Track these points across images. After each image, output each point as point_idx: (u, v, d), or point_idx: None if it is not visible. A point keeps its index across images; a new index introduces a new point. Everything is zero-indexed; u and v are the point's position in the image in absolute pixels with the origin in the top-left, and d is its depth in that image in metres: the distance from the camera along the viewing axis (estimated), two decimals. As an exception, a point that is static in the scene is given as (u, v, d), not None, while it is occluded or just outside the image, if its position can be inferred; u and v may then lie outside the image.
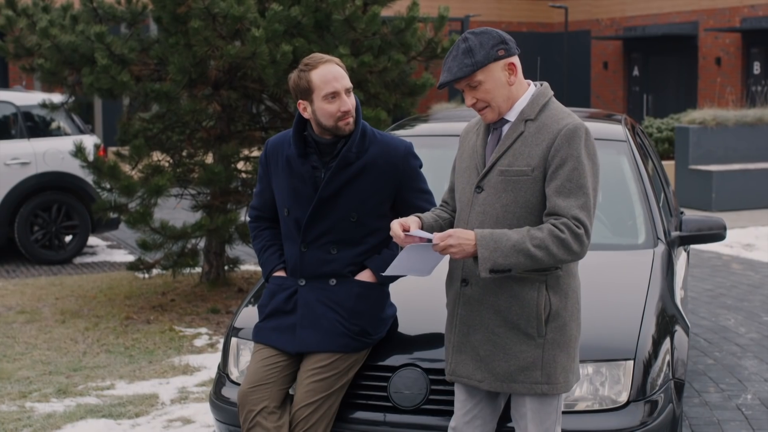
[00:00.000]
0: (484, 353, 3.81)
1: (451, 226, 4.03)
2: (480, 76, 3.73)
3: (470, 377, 3.85)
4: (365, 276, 4.40)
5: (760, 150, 17.29)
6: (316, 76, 4.24)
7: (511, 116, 3.82)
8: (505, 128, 3.83)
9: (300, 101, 4.32)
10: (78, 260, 12.28)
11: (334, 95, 4.22)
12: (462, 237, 3.66)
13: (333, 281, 4.36)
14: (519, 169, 3.74)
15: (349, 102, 4.27)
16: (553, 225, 3.63)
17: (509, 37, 3.80)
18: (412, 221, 3.88)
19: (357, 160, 4.33)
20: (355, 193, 4.36)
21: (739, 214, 15.91)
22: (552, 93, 3.88)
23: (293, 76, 4.32)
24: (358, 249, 4.40)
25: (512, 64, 3.78)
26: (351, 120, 4.28)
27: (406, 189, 4.43)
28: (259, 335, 4.44)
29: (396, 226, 3.81)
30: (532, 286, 3.76)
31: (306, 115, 4.31)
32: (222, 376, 4.79)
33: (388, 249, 4.44)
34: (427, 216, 4.02)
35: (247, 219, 4.93)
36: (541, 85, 3.89)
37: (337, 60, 4.31)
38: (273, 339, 4.38)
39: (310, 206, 4.33)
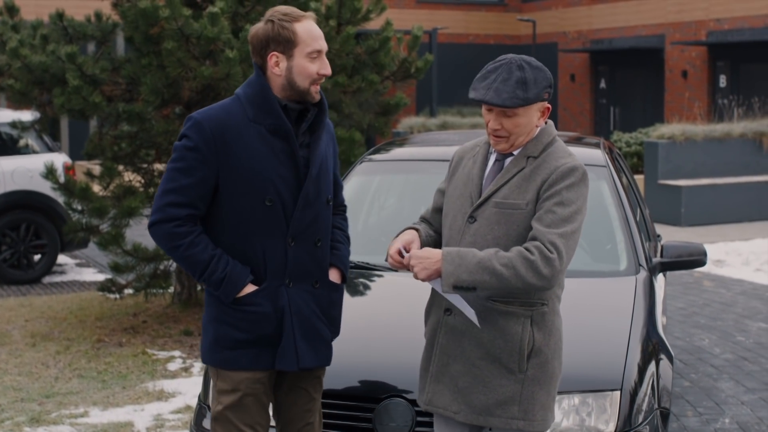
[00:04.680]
0: (463, 384, 3.75)
1: (438, 245, 3.97)
2: (521, 110, 3.67)
3: (446, 408, 3.78)
4: (336, 276, 4.08)
5: (728, 165, 17.40)
6: (302, 29, 3.80)
7: (516, 150, 3.79)
8: (507, 161, 3.79)
9: (274, 53, 3.80)
10: (47, 279, 12.15)
11: (319, 54, 3.83)
12: (423, 256, 3.64)
13: (317, 284, 3.97)
14: (514, 203, 3.69)
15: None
16: (525, 247, 3.59)
17: (553, 79, 3.77)
18: (414, 239, 3.83)
19: (323, 127, 3.97)
20: (326, 170, 3.99)
21: (708, 228, 15.99)
22: (556, 132, 3.85)
23: (263, 26, 3.81)
24: (329, 239, 4.06)
25: (548, 108, 3.76)
26: (319, 87, 3.89)
27: (335, 155, 4.12)
28: (242, 362, 3.87)
29: (395, 251, 3.76)
30: (517, 321, 3.70)
31: (276, 71, 3.81)
32: (203, 407, 4.72)
33: (338, 241, 4.13)
34: (422, 230, 3.94)
35: (156, 219, 3.85)
36: (546, 123, 3.84)
37: (314, 16, 3.92)
38: (263, 362, 3.87)
39: (297, 190, 3.86)
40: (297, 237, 3.88)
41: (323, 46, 3.84)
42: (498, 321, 3.71)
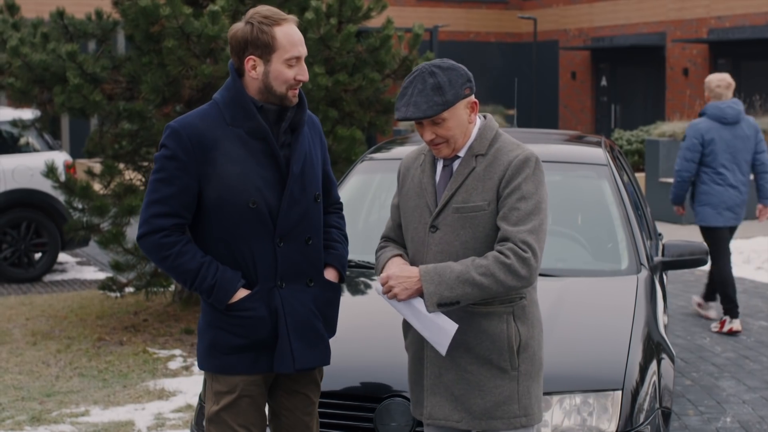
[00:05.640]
0: (459, 392, 3.74)
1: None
2: (446, 114, 3.65)
3: (448, 418, 3.77)
4: (333, 275, 4.04)
5: (729, 162, 17.33)
6: (282, 33, 3.75)
7: (461, 151, 3.76)
8: (456, 164, 3.77)
9: (251, 56, 3.77)
10: (48, 278, 12.14)
11: (297, 60, 3.78)
12: (401, 276, 3.63)
13: (311, 282, 3.94)
14: (475, 205, 3.68)
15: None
16: (499, 251, 3.59)
17: (470, 73, 3.74)
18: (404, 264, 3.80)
19: (303, 126, 3.92)
20: (311, 167, 3.93)
21: (710, 226, 15.93)
22: (497, 125, 3.84)
23: (242, 27, 3.77)
24: (321, 237, 4.00)
25: (475, 102, 3.74)
26: (297, 91, 3.85)
27: (323, 151, 4.10)
28: (239, 367, 3.87)
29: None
30: (500, 319, 3.70)
31: (253, 74, 3.78)
32: (203, 406, 4.71)
33: (335, 240, 4.11)
34: (396, 250, 3.90)
35: (143, 231, 3.83)
36: (485, 117, 3.84)
37: (296, 19, 3.87)
38: (260, 366, 3.86)
39: (280, 191, 3.83)
40: (285, 237, 3.85)
41: (302, 52, 3.80)
42: (481, 323, 3.70)
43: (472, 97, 3.73)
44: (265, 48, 3.74)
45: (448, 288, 3.56)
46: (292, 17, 3.83)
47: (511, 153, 3.71)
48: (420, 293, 3.62)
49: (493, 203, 3.67)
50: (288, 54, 3.75)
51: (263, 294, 3.84)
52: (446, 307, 3.59)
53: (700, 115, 9.23)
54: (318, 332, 3.94)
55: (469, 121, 3.73)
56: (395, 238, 4.00)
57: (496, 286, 3.56)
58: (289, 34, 3.76)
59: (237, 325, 3.83)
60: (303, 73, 3.80)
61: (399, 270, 3.66)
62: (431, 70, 3.65)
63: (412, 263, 3.82)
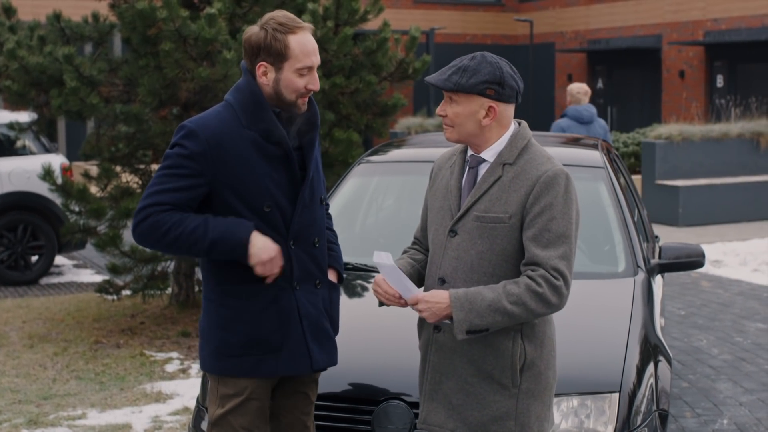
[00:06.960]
0: (457, 402, 3.69)
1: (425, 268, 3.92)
2: (457, 97, 3.61)
3: (442, 426, 3.72)
4: (333, 276, 4.07)
5: (725, 165, 17.40)
6: (296, 42, 3.73)
7: (489, 156, 3.68)
8: (482, 169, 3.70)
9: (263, 63, 3.76)
10: (44, 281, 12.13)
11: (309, 70, 3.77)
12: (432, 301, 3.57)
13: (319, 284, 3.96)
14: (495, 216, 3.61)
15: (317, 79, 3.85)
16: (530, 278, 3.51)
17: (514, 84, 3.63)
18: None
19: (316, 130, 3.93)
20: (318, 170, 3.97)
21: (706, 229, 15.99)
22: (531, 134, 3.74)
23: (256, 32, 3.75)
24: (325, 239, 4.03)
25: (492, 107, 3.62)
26: (307, 99, 3.85)
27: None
28: (245, 369, 3.83)
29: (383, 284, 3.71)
30: (507, 336, 3.63)
31: (264, 80, 3.77)
32: (201, 409, 4.71)
33: (331, 242, 4.12)
34: (404, 263, 3.90)
35: (138, 219, 3.75)
36: (519, 124, 3.75)
37: (312, 27, 3.85)
38: (266, 369, 3.85)
39: (293, 194, 3.84)
40: (297, 239, 3.85)
41: (315, 61, 3.78)
42: (487, 337, 3.63)
43: (494, 103, 3.61)
44: (277, 56, 3.72)
45: (479, 316, 3.50)
46: (308, 25, 3.80)
47: (541, 167, 3.61)
48: (448, 317, 3.58)
49: (515, 217, 3.59)
50: (300, 63, 3.73)
51: (278, 296, 3.84)
52: (475, 334, 3.55)
53: (563, 116, 10.82)
54: (328, 333, 3.97)
55: (482, 124, 3.62)
56: (421, 239, 4.00)
57: (526, 314, 3.51)
58: (302, 44, 3.74)
59: (248, 325, 3.82)
60: (314, 83, 3.79)
61: (429, 294, 3.60)
62: (476, 55, 3.63)
63: (430, 264, 3.79)
